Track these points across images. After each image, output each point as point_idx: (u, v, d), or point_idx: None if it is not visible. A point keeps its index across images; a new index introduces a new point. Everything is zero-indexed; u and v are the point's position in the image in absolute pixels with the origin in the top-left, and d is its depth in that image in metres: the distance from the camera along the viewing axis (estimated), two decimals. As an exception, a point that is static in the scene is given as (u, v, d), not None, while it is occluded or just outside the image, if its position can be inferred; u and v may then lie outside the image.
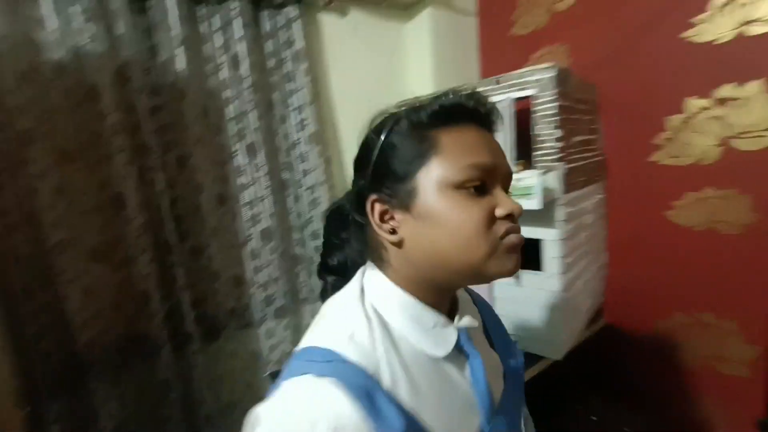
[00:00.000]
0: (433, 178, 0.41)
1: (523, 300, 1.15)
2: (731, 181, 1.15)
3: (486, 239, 0.40)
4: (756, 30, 1.05)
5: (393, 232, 0.43)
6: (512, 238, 0.41)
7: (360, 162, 0.47)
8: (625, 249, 1.42)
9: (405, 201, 0.42)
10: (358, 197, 0.46)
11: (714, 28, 1.12)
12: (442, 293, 0.46)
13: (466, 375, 0.45)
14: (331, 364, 0.37)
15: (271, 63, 1.31)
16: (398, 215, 0.43)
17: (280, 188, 1.35)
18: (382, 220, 0.44)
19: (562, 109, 1.07)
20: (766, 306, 1.08)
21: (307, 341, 0.42)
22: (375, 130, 0.45)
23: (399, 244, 0.43)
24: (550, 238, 1.06)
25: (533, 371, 1.12)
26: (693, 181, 1.23)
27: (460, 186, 0.40)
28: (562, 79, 1.07)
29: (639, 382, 1.46)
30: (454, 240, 0.40)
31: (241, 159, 1.24)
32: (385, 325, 0.42)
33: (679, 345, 1.34)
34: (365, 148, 0.46)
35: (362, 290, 0.45)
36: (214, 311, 1.16)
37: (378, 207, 0.44)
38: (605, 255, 1.48)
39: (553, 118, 1.06)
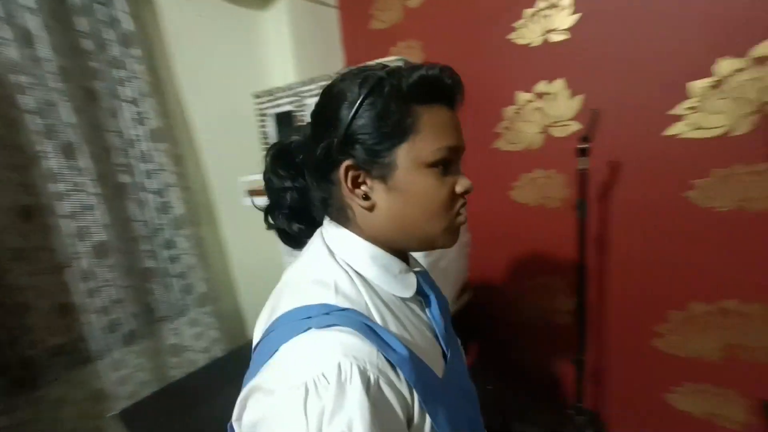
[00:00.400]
0: (411, 156, 0.43)
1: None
2: (552, 163, 1.37)
3: (446, 216, 0.45)
4: (556, 37, 1.26)
5: (365, 197, 0.45)
6: (461, 218, 0.47)
7: (327, 116, 0.45)
8: (481, 227, 1.60)
9: (382, 172, 0.44)
10: (326, 157, 0.45)
11: (528, 33, 1.31)
12: (399, 250, 0.50)
13: (425, 311, 0.51)
14: (329, 315, 0.39)
15: (88, 45, 1.09)
16: (371, 183, 0.45)
17: (116, 194, 1.15)
18: (354, 185, 0.45)
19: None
20: (576, 261, 1.32)
21: (289, 305, 0.42)
22: (353, 85, 0.43)
23: (369, 209, 0.46)
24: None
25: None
26: (526, 164, 1.43)
27: (432, 165, 0.43)
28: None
29: (498, 344, 1.67)
30: (422, 214, 0.45)
31: (53, 162, 1.02)
32: (360, 276, 0.45)
33: (526, 306, 1.56)
34: (336, 101, 0.44)
35: (329, 249, 0.47)
36: (27, 353, 0.93)
37: (352, 173, 0.44)
38: (468, 235, 1.64)
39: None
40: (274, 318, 0.43)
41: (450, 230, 0.47)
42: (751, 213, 1.06)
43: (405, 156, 0.43)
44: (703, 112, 1.07)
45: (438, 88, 0.44)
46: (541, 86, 1.32)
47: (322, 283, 0.43)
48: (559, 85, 1.29)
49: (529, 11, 1.29)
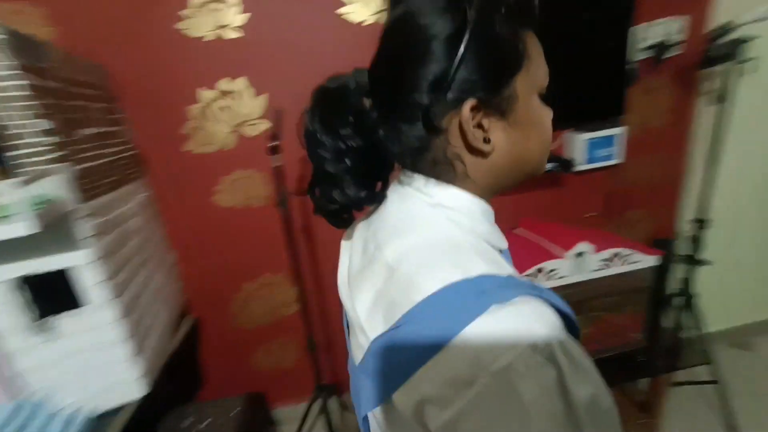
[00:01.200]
0: (528, 83, 0.38)
1: (67, 355, 0.85)
2: (249, 163, 1.36)
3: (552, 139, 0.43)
4: (230, 34, 1.23)
5: (486, 141, 0.38)
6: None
7: (423, 52, 0.36)
8: (189, 241, 1.40)
9: (502, 107, 0.37)
10: (435, 101, 0.36)
11: (199, 25, 1.21)
12: (497, 194, 0.44)
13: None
14: (506, 286, 0.31)
15: None
16: (489, 122, 0.38)
17: None
18: (477, 127, 0.38)
19: (41, 91, 0.79)
20: (289, 253, 1.42)
21: (433, 286, 0.32)
22: (445, 23, 0.35)
23: (486, 155, 0.39)
24: (78, 263, 0.81)
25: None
26: (224, 166, 1.35)
27: (541, 91, 0.41)
28: (26, 49, 0.78)
29: (241, 355, 1.57)
30: (542, 144, 0.42)
31: None
32: (478, 234, 0.40)
33: (256, 308, 1.53)
34: (434, 32, 0.35)
35: (441, 211, 0.40)
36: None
37: (476, 115, 0.37)
38: (172, 254, 1.40)
39: (28, 103, 0.76)
40: (411, 304, 0.32)
41: (547, 155, 0.44)
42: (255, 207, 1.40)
43: (523, 83, 0.38)
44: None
45: (533, 10, 0.38)
46: (225, 84, 1.27)
47: (465, 252, 0.36)
48: (242, 83, 1.28)
49: (196, 1, 1.18)
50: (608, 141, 1.44)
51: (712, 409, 1.54)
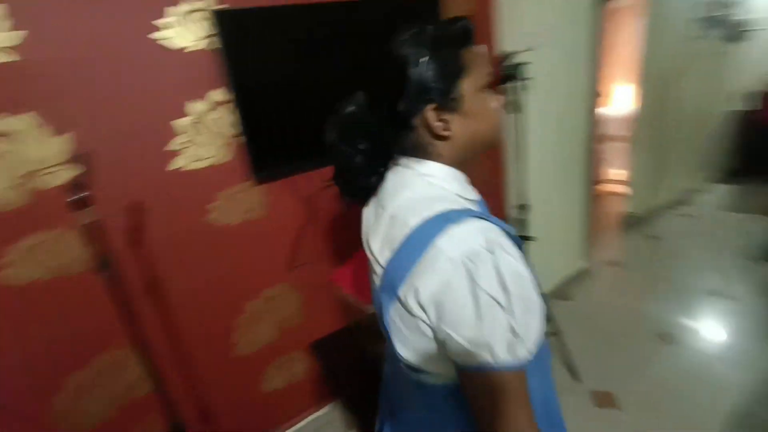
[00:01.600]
0: (472, 85, 0.55)
1: None
2: (54, 221, 1.06)
3: (499, 119, 0.61)
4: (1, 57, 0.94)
5: (446, 128, 0.56)
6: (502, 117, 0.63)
7: (393, 81, 0.55)
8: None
9: (454, 105, 0.55)
10: (408, 109, 0.55)
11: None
12: (465, 164, 0.62)
13: None
14: (460, 214, 0.51)
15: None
16: (447, 116, 0.55)
17: None
18: (438, 122, 0.56)
19: None
20: (127, 323, 1.17)
21: (420, 219, 0.52)
22: (416, 47, 0.53)
23: (448, 139, 0.57)
24: None
25: None
26: (14, 230, 1.03)
27: (485, 88, 0.57)
28: None
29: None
30: (490, 124, 0.59)
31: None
32: (448, 190, 0.58)
33: (90, 407, 1.20)
34: (404, 63, 0.53)
35: (423, 178, 0.58)
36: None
37: (434, 114, 0.55)
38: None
39: None
40: (404, 234, 0.53)
41: (501, 129, 0.62)
42: (252, 222, 1.36)
43: (468, 86, 0.55)
44: (196, 146, 1.21)
45: (469, 34, 0.57)
46: (2, 123, 0.96)
47: (442, 197, 0.55)
48: (27, 121, 0.99)
49: None
50: (444, 150, 1.64)
51: (556, 354, 1.89)
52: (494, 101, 0.59)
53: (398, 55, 0.54)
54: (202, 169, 1.24)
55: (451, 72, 0.54)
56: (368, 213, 0.66)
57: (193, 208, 1.26)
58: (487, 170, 1.96)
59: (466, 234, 0.49)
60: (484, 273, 0.46)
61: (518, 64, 1.48)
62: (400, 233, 0.53)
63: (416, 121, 0.56)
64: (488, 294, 0.46)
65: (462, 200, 0.57)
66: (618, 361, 1.83)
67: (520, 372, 0.47)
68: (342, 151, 0.62)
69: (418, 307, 0.50)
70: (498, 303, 0.46)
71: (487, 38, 1.74)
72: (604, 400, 1.64)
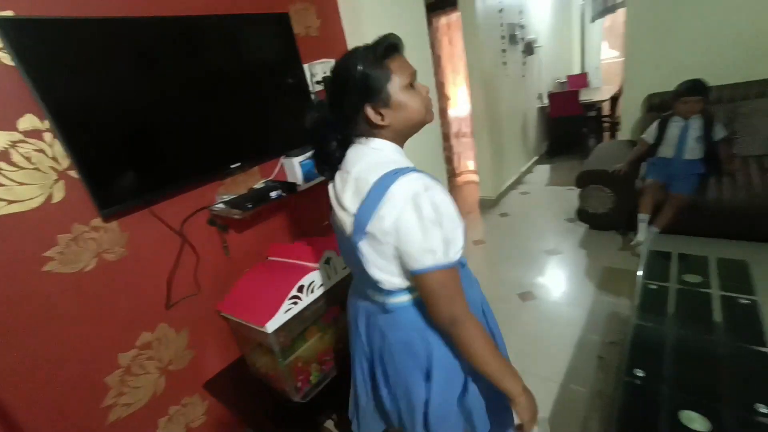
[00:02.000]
0: (397, 85, 0.76)
1: None
2: None
3: (425, 106, 0.81)
4: None
5: (382, 119, 0.77)
6: (428, 102, 0.82)
7: (341, 89, 0.78)
8: None
9: (385, 102, 0.76)
10: (353, 108, 0.78)
11: None
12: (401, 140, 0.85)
13: None
14: (405, 170, 0.74)
15: None
16: (382, 110, 0.77)
17: None
18: (376, 114, 0.77)
19: None
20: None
21: (378, 176, 0.74)
22: (353, 64, 0.75)
23: (385, 125, 0.78)
24: None
25: None
26: None
27: (408, 86, 0.78)
28: None
29: None
30: (416, 113, 0.80)
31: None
32: (392, 159, 0.79)
33: None
34: (346, 76, 0.76)
35: (374, 152, 0.80)
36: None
37: (372, 110, 0.77)
38: None
39: None
40: (368, 187, 0.74)
41: (427, 111, 0.82)
42: (111, 263, 1.19)
43: (393, 87, 0.76)
44: (9, 186, 1.00)
45: (394, 47, 0.78)
46: None
47: (389, 162, 0.77)
48: None
49: None
50: (317, 160, 1.69)
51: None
52: (416, 94, 0.79)
53: (343, 70, 0.77)
54: (27, 212, 1.03)
55: (380, 78, 0.75)
56: (336, 183, 0.85)
57: (20, 260, 1.03)
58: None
59: (410, 181, 0.72)
60: (424, 204, 0.70)
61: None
62: (365, 187, 0.75)
63: (361, 116, 0.78)
64: (428, 218, 0.70)
65: (403, 164, 0.78)
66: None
67: (453, 269, 0.74)
68: (318, 139, 0.85)
69: (383, 233, 0.73)
70: (434, 223, 0.71)
71: (337, 51, 1.86)
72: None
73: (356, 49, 0.77)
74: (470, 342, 0.73)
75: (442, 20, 4.04)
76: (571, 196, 3.29)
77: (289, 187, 1.50)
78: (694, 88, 2.23)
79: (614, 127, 4.67)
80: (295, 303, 1.24)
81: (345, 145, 0.84)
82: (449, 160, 4.67)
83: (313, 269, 1.30)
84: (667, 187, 2.36)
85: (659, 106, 2.78)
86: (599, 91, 4.86)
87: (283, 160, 1.63)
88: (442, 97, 4.39)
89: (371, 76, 0.74)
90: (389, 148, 0.80)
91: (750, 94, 2.51)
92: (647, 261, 1.62)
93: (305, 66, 1.67)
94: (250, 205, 1.35)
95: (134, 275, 1.24)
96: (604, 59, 5.96)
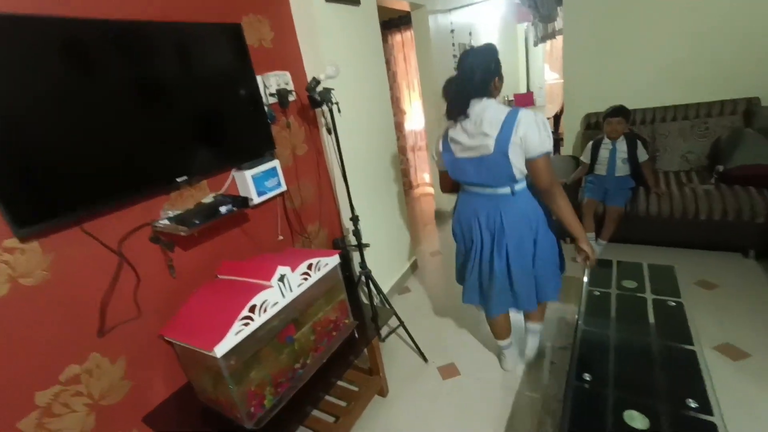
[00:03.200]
0: (500, 68, 1.41)
1: None
2: None
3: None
4: None
5: (497, 88, 1.40)
6: None
7: (485, 68, 1.34)
8: None
9: (501, 78, 1.40)
10: (488, 81, 1.36)
11: None
12: None
13: None
14: (518, 108, 1.33)
15: None
16: (497, 83, 1.39)
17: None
18: (499, 83, 1.40)
19: None
20: None
21: (504, 114, 1.32)
22: (494, 55, 1.37)
23: (498, 91, 1.40)
24: None
25: None
26: None
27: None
28: None
29: None
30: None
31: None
32: (504, 106, 1.37)
33: None
34: (494, 60, 1.37)
35: (497, 104, 1.36)
36: None
37: (497, 81, 1.39)
38: None
39: None
40: (501, 120, 1.30)
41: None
42: (29, 289, 1.06)
43: (498, 69, 1.39)
44: None
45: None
46: None
47: (504, 108, 1.33)
48: None
49: None
50: (271, 173, 1.64)
51: (405, 342, 2.12)
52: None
53: (488, 57, 1.36)
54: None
55: (499, 66, 1.38)
56: (463, 124, 1.39)
57: None
58: (316, 186, 2.05)
59: (525, 111, 1.29)
60: (537, 121, 1.28)
61: (325, 90, 1.61)
62: (498, 120, 1.30)
63: (492, 85, 1.36)
64: (541, 128, 1.28)
65: (509, 108, 1.33)
66: (453, 335, 2.18)
67: (549, 155, 1.31)
68: (456, 96, 1.38)
69: (520, 140, 1.28)
70: (544, 129, 1.28)
71: (292, 64, 1.84)
72: (449, 371, 1.92)
73: (493, 46, 1.38)
74: (559, 198, 1.34)
75: (397, 37, 4.15)
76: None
77: (241, 201, 1.44)
78: (615, 110, 2.49)
79: (558, 143, 5.02)
80: (247, 324, 1.17)
81: (469, 103, 1.37)
82: (406, 172, 4.75)
83: (266, 287, 1.24)
84: (604, 202, 2.56)
85: (595, 125, 3.04)
86: (544, 110, 5.21)
87: (234, 173, 1.57)
88: (398, 112, 4.48)
89: (500, 64, 1.38)
90: (499, 103, 1.37)
91: (667, 117, 2.81)
92: (592, 269, 1.73)
93: (259, 77, 1.63)
94: (197, 221, 1.28)
95: (59, 301, 1.11)
96: (548, 81, 6.42)
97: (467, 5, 3.82)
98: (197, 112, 1.38)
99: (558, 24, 4.49)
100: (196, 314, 1.26)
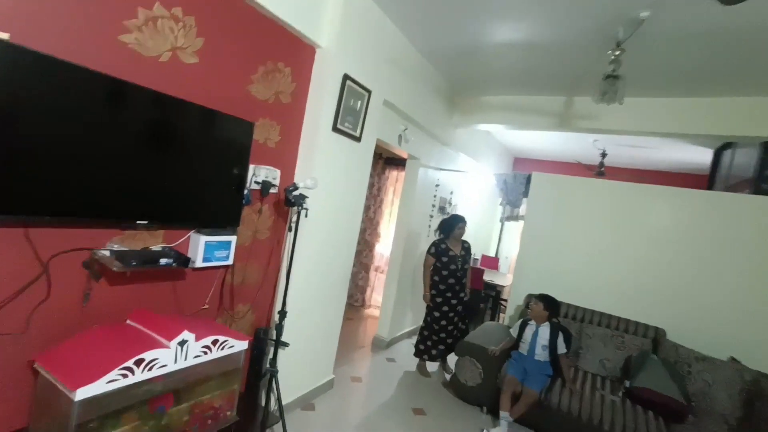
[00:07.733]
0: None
1: None
2: None
3: None
4: None
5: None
6: None
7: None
8: None
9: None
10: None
11: None
12: None
13: None
14: None
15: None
16: None
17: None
18: None
19: None
20: None
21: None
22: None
23: None
24: None
25: None
26: None
27: None
28: None
29: None
30: None
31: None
32: None
33: None
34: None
35: None
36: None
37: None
38: None
39: None
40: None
41: None
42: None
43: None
44: None
45: None
46: None
47: None
48: None
49: None
50: (224, 245, 1.78)
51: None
52: None
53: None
54: None
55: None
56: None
57: None
58: (262, 272, 2.16)
59: None
60: None
61: (300, 195, 1.88)
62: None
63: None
64: None
65: None
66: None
67: None
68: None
69: None
70: None
71: (286, 164, 2.16)
72: None
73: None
74: None
75: (394, 173, 4.78)
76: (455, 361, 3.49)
77: (184, 260, 1.54)
78: (539, 296, 2.80)
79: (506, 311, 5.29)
80: (125, 376, 1.16)
81: None
82: (362, 290, 4.86)
83: (163, 346, 1.26)
84: (523, 382, 2.66)
85: (527, 305, 3.33)
86: (504, 277, 5.64)
87: (192, 233, 1.70)
88: (374, 234, 4.84)
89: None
90: None
91: (594, 320, 3.13)
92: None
93: (252, 166, 1.91)
94: (134, 262, 1.36)
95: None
96: (515, 254, 7.08)
97: (454, 171, 4.51)
98: (188, 173, 1.59)
99: (522, 210, 5.24)
100: (81, 351, 1.24)
